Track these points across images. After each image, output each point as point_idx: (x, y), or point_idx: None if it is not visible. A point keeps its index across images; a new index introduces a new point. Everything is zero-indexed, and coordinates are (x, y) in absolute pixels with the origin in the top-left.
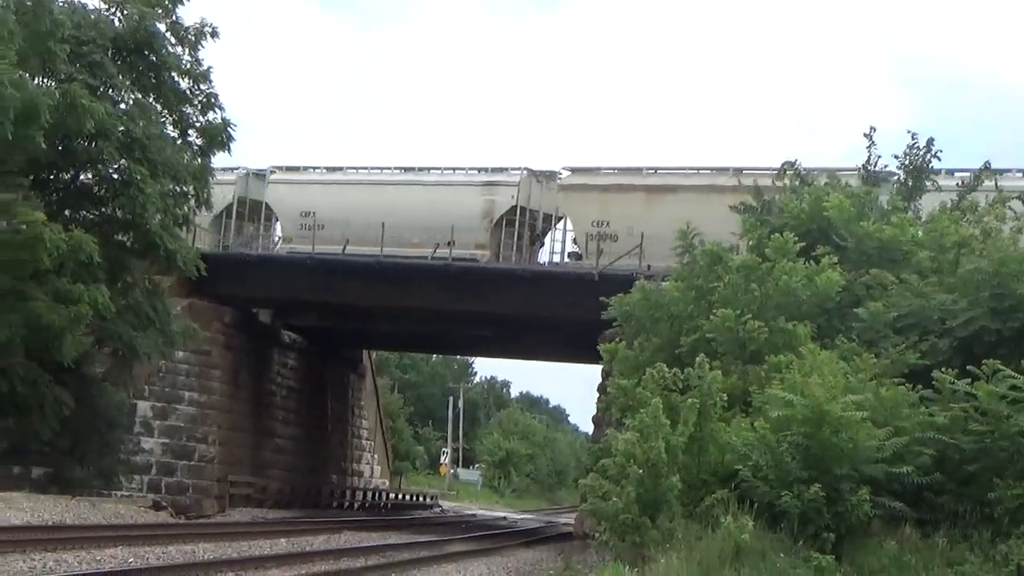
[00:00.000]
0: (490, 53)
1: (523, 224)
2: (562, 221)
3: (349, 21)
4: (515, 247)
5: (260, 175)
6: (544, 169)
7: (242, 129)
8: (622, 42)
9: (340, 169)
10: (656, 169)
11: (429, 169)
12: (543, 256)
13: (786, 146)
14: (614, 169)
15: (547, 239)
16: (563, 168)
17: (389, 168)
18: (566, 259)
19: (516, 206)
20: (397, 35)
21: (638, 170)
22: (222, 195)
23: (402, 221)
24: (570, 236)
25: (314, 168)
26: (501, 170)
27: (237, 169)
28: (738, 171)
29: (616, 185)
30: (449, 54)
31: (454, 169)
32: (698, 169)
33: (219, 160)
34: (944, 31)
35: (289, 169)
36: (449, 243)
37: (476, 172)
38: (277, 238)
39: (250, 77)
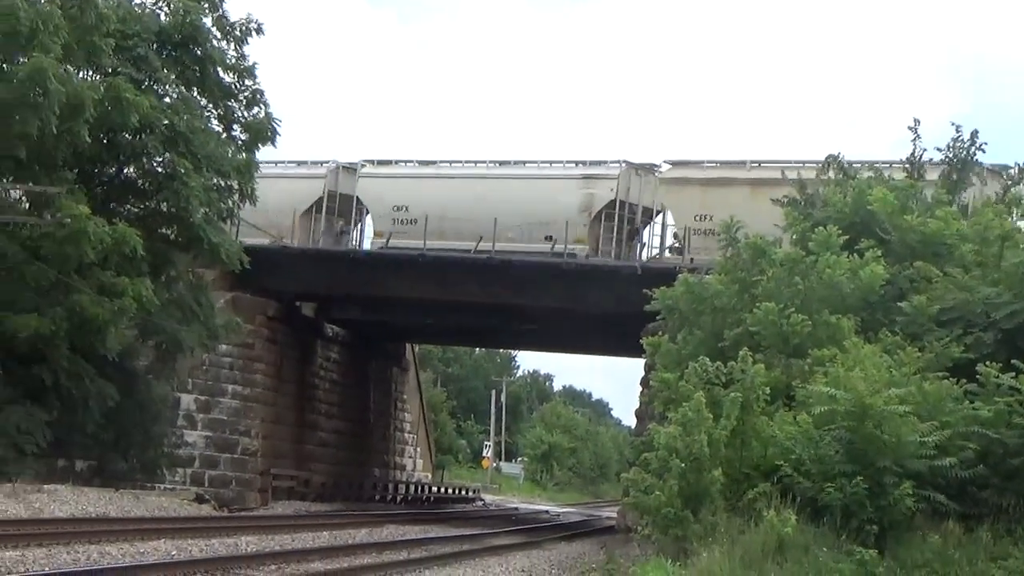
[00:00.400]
0: (536, 44)
1: (622, 218)
2: (661, 215)
3: (394, 14)
4: (614, 241)
5: (351, 169)
6: (643, 162)
7: (297, 121)
8: (665, 34)
9: (434, 163)
10: (760, 162)
11: (525, 162)
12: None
13: (830, 140)
14: (716, 162)
15: (645, 233)
16: (663, 161)
17: (484, 162)
18: (666, 254)
19: (615, 200)
20: (447, 27)
21: (741, 163)
22: (310, 189)
23: (500, 216)
24: (670, 230)
25: (406, 161)
26: (599, 163)
27: (327, 163)
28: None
29: (718, 179)
30: (495, 45)
31: (551, 162)
32: (803, 162)
33: (292, 153)
34: (992, 23)
35: (381, 163)
36: (547, 237)
37: (574, 165)
38: (369, 233)
39: (302, 71)
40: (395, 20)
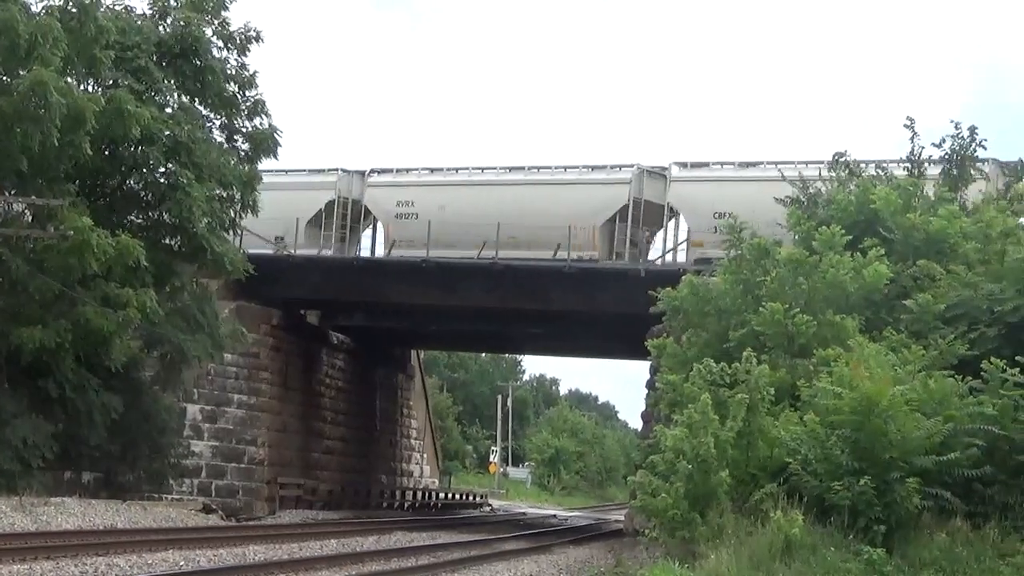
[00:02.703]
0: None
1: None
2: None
3: (400, 18)
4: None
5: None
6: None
7: (302, 127)
8: (673, 35)
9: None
10: (767, 163)
11: (539, 168)
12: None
13: (839, 139)
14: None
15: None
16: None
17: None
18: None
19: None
20: (454, 30)
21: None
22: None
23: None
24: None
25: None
26: (615, 167)
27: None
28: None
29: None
30: (499, 49)
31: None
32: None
33: (299, 160)
34: (1000, 19)
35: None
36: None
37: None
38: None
39: (307, 76)
40: (402, 23)
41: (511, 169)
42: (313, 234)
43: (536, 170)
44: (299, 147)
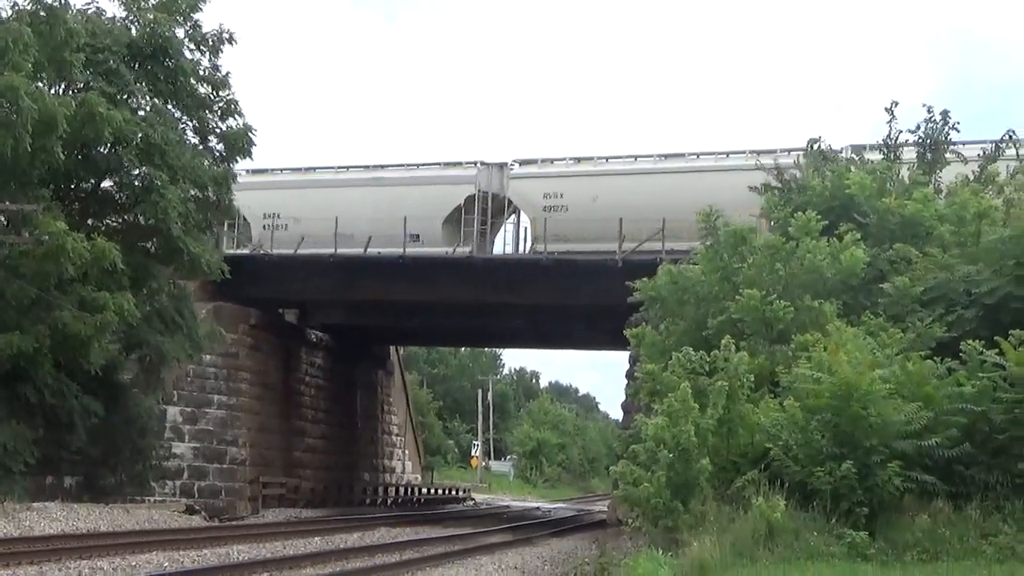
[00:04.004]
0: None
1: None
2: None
3: (378, 14)
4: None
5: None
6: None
7: (279, 126)
8: (651, 27)
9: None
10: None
11: (684, 155)
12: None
13: (811, 125)
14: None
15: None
16: (513, 160)
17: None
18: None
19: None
20: (429, 26)
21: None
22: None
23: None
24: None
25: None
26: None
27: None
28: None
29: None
30: (477, 42)
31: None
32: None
33: (278, 159)
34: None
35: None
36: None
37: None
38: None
39: (286, 75)
40: (379, 19)
41: (667, 156)
42: (449, 231)
43: (696, 156)
44: (284, 145)
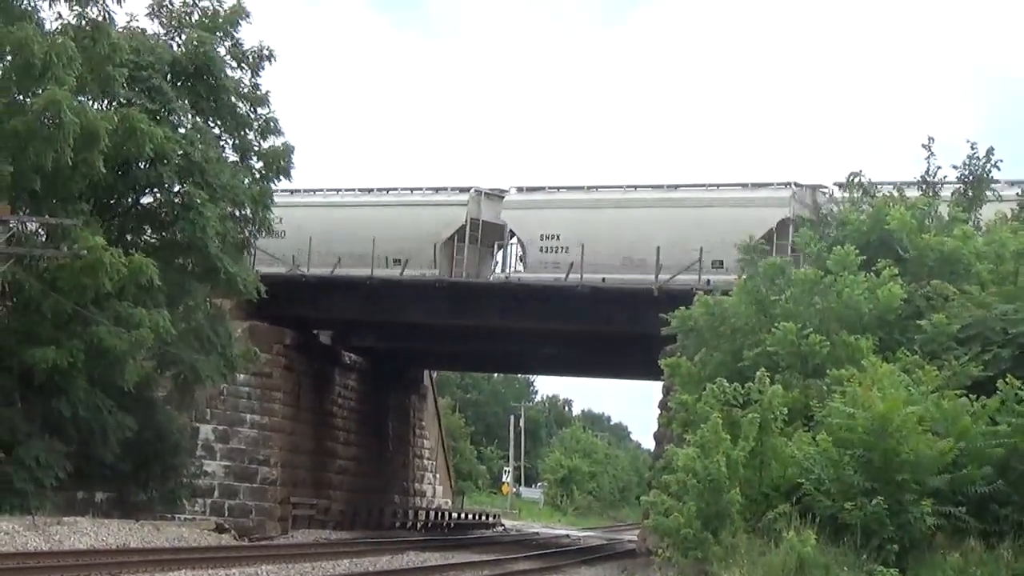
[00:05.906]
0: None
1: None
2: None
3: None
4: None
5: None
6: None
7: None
8: (686, 52)
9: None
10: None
11: (682, 186)
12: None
13: (853, 159)
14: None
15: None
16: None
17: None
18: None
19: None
20: (460, 48)
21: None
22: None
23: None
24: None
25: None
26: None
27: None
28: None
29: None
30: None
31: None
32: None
33: (313, 181)
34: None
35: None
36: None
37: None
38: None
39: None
40: (388, 25)
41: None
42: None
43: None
44: (314, 164)
